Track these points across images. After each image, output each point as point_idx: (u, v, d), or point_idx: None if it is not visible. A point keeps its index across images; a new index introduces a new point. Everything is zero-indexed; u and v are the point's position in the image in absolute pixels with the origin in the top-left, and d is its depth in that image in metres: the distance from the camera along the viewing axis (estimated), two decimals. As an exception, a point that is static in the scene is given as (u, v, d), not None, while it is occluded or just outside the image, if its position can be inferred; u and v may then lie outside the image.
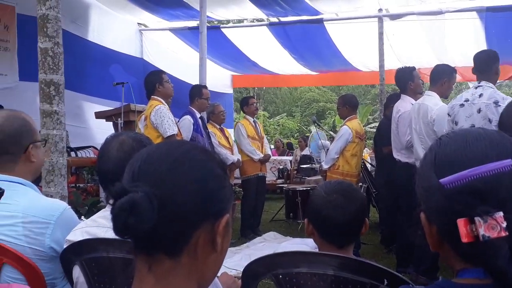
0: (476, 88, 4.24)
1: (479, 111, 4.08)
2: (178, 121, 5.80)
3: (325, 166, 6.16)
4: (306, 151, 12.38)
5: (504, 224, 0.85)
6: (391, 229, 5.82)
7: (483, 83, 4.20)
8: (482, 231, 0.85)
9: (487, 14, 8.05)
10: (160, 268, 0.91)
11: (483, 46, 8.80)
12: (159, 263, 0.91)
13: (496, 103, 4.02)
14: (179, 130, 5.38)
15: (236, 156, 6.83)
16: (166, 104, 5.17)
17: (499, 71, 4.33)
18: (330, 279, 1.56)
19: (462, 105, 4.23)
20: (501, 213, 0.85)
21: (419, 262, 4.81)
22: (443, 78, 4.85)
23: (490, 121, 4.03)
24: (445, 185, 0.90)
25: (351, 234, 1.80)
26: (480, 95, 4.12)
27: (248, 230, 7.04)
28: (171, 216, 0.88)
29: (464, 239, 0.87)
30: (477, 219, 0.86)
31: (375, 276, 1.53)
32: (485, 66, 4.24)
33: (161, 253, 0.91)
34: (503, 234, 0.84)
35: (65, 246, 1.75)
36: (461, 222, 0.88)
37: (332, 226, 1.74)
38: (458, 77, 11.01)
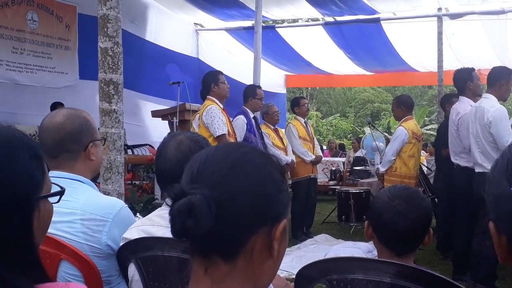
0: None
1: None
2: (232, 121, 5.83)
3: (382, 169, 6.05)
4: (360, 153, 12.23)
5: None
6: (448, 235, 5.66)
7: None
8: None
9: (554, 13, 7.73)
10: (216, 271, 0.91)
11: (548, 47, 8.47)
12: (215, 266, 0.91)
13: None
14: (233, 130, 5.39)
15: (290, 157, 6.80)
16: (220, 104, 5.20)
17: None
18: (387, 287, 1.52)
19: None
20: None
21: (476, 269, 4.66)
22: (500, 81, 4.69)
23: None
24: None
25: (411, 243, 1.74)
26: None
27: (300, 232, 7.00)
28: (229, 219, 0.88)
29: None
30: None
31: (433, 285, 1.49)
32: None
33: (217, 256, 0.90)
34: None
35: (121, 244, 1.77)
36: None
37: (391, 232, 1.70)
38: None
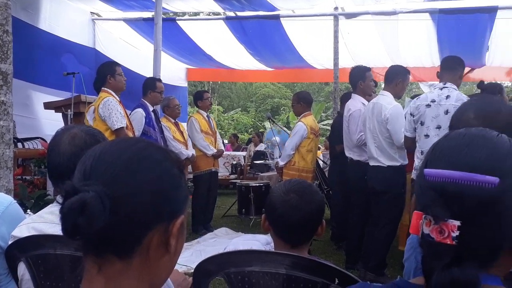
0: (441, 89, 4.29)
1: (446, 112, 4.15)
2: (130, 114, 5.70)
3: (281, 163, 6.19)
4: (260, 147, 12.43)
5: (455, 234, 0.82)
6: (342, 226, 5.90)
7: (448, 84, 4.27)
8: (426, 230, 0.85)
9: (440, 16, 8.18)
10: (110, 269, 0.88)
11: (435, 48, 9.00)
12: (109, 264, 0.88)
13: None
14: (130, 123, 5.27)
15: (190, 151, 6.77)
16: (116, 96, 5.05)
17: (462, 76, 4.45)
18: (282, 278, 1.57)
19: (428, 105, 4.29)
20: (457, 222, 0.83)
21: (367, 259, 4.91)
22: (397, 79, 4.94)
23: None
24: (425, 176, 0.90)
25: (306, 234, 1.79)
26: (447, 97, 4.20)
27: (200, 226, 7.00)
28: (124, 217, 0.85)
29: (411, 230, 0.88)
30: (427, 217, 0.85)
31: (326, 275, 1.55)
32: (453, 69, 4.34)
33: (111, 254, 0.88)
34: (448, 241, 0.82)
35: (10, 242, 1.68)
36: (416, 214, 0.88)
37: (286, 224, 1.74)
38: (410, 77, 11.27)
